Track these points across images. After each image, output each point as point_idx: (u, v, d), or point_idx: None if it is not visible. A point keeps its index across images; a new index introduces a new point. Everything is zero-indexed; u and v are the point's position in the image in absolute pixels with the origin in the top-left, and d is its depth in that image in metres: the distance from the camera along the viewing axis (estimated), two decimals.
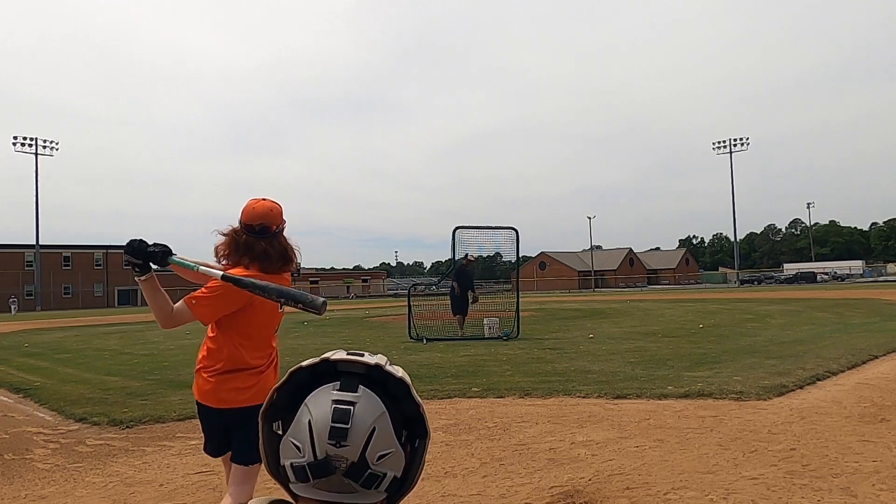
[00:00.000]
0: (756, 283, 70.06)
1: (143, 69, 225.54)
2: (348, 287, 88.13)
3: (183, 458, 4.57)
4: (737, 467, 3.84)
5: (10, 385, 8.45)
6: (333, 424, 0.83)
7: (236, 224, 2.69)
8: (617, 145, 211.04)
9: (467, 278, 13.51)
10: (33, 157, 59.46)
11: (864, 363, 7.69)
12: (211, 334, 2.65)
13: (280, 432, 0.89)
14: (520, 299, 13.64)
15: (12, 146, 59.07)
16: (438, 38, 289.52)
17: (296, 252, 2.79)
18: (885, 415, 5.04)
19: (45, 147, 60.35)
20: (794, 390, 6.09)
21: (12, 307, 51.88)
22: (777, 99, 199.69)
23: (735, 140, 66.73)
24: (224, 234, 2.68)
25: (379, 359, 0.91)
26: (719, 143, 68.04)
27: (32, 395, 7.50)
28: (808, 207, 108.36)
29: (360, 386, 0.87)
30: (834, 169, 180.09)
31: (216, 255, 2.73)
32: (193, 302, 2.48)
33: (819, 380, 6.60)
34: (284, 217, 2.76)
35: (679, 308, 22.02)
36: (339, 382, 0.87)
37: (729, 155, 66.64)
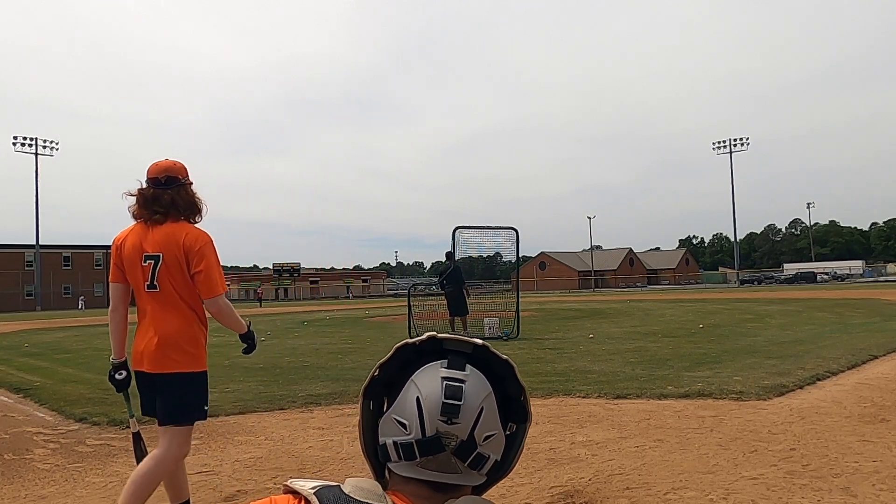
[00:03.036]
0: (756, 283, 70.06)
1: (144, 69, 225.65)
2: (348, 287, 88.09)
3: None
4: (737, 467, 3.84)
5: (10, 385, 8.45)
6: (446, 401, 0.82)
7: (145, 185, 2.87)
8: (617, 145, 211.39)
9: (460, 275, 13.49)
10: (33, 156, 59.54)
11: (864, 363, 7.68)
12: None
13: (374, 410, 0.89)
14: (520, 299, 13.63)
15: (12, 146, 59.14)
16: (438, 38, 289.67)
17: (203, 205, 2.96)
18: (885, 415, 5.04)
19: (45, 147, 60.40)
20: (794, 390, 6.08)
21: (81, 304, 54.43)
22: (777, 99, 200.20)
23: (735, 140, 66.83)
24: (133, 195, 2.86)
25: (481, 341, 0.90)
26: (719, 143, 68.20)
27: (32, 395, 7.50)
28: (808, 207, 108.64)
29: (468, 365, 0.86)
30: (834, 169, 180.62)
31: (132, 216, 2.90)
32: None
33: (819, 380, 6.60)
34: (192, 179, 2.97)
35: (679, 308, 22.01)
36: (446, 360, 0.86)
37: (729, 155, 66.74)
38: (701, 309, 20.99)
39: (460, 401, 0.82)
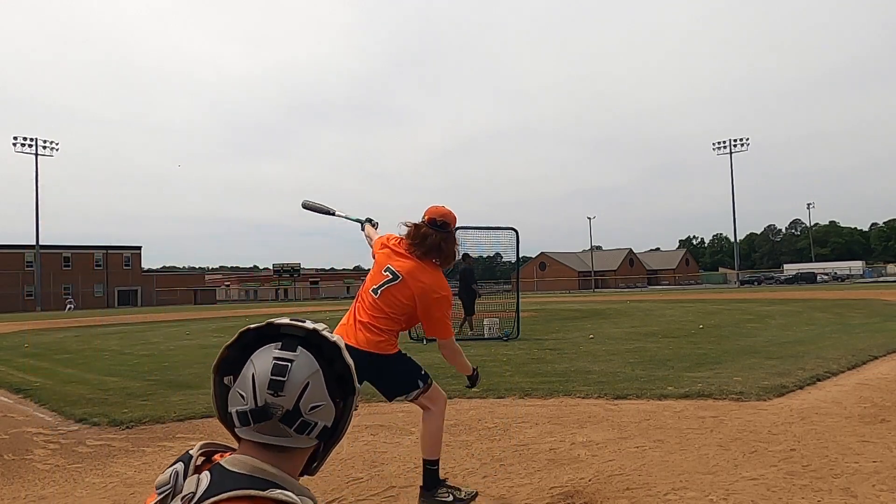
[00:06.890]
0: (756, 283, 70.09)
1: (145, 71, 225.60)
2: (348, 288, 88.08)
3: None
4: (737, 468, 3.84)
5: (10, 385, 8.45)
6: (272, 377, 1.00)
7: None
8: (617, 146, 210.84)
9: (472, 275, 13.67)
10: (33, 157, 59.46)
11: (864, 364, 7.67)
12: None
13: (229, 385, 1.06)
14: (520, 300, 13.64)
15: (12, 146, 59.05)
16: (437, 41, 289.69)
17: (457, 254, 3.35)
18: (885, 415, 5.04)
19: (45, 147, 60.28)
20: (794, 391, 6.08)
21: (68, 307, 54.12)
22: (777, 100, 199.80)
23: (735, 140, 66.63)
24: (408, 226, 3.22)
25: (318, 325, 1.07)
26: (719, 143, 67.92)
27: (32, 396, 7.50)
28: (809, 208, 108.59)
29: (300, 346, 1.04)
30: (834, 169, 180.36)
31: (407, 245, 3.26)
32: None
33: (819, 380, 6.60)
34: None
35: (679, 308, 22.01)
36: (280, 343, 1.04)
37: (729, 155, 66.58)
38: (701, 309, 20.99)
39: (284, 377, 1.00)
